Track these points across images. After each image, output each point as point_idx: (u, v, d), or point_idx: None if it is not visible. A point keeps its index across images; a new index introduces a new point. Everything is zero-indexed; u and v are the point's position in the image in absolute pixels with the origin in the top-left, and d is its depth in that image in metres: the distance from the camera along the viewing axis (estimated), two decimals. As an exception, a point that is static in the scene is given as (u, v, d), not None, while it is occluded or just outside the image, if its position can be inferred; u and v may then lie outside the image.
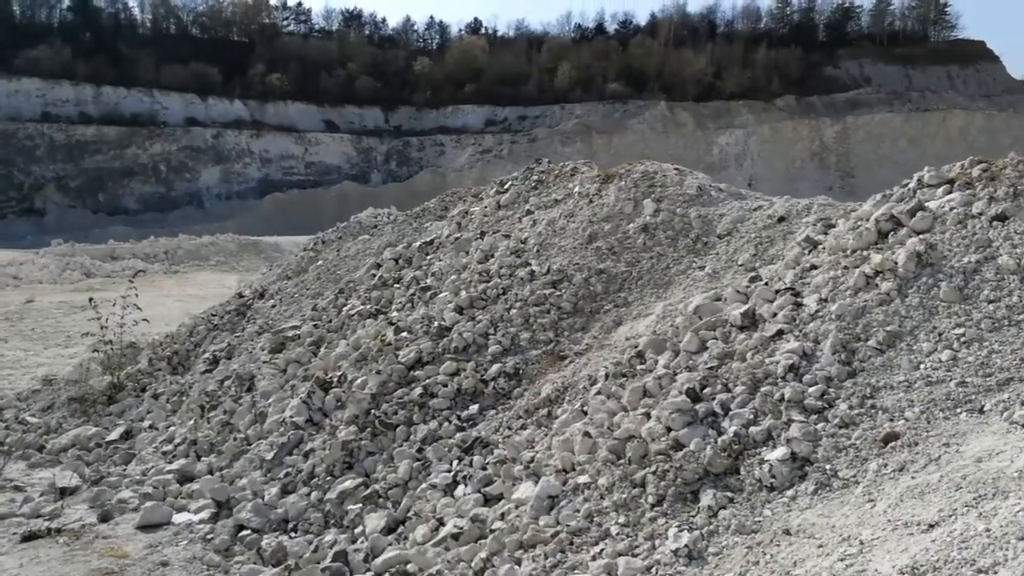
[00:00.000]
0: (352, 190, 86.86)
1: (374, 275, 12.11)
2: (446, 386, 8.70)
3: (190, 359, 13.10)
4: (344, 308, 11.60)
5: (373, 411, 8.62)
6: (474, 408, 8.41)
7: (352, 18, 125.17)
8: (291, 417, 9.43)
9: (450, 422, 8.20)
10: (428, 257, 11.95)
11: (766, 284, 7.92)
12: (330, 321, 11.55)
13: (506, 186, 13.14)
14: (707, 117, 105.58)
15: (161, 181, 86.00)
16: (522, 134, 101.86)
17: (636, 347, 8.15)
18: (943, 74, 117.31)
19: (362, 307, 11.30)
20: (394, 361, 9.26)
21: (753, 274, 8.63)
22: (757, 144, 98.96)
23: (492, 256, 10.78)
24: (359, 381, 9.07)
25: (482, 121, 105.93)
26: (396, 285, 11.53)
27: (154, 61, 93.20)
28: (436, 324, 9.55)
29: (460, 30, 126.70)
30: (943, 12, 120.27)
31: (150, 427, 10.82)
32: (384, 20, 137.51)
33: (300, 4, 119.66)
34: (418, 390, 8.71)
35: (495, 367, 8.71)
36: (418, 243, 12.53)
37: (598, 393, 7.53)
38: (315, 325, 11.63)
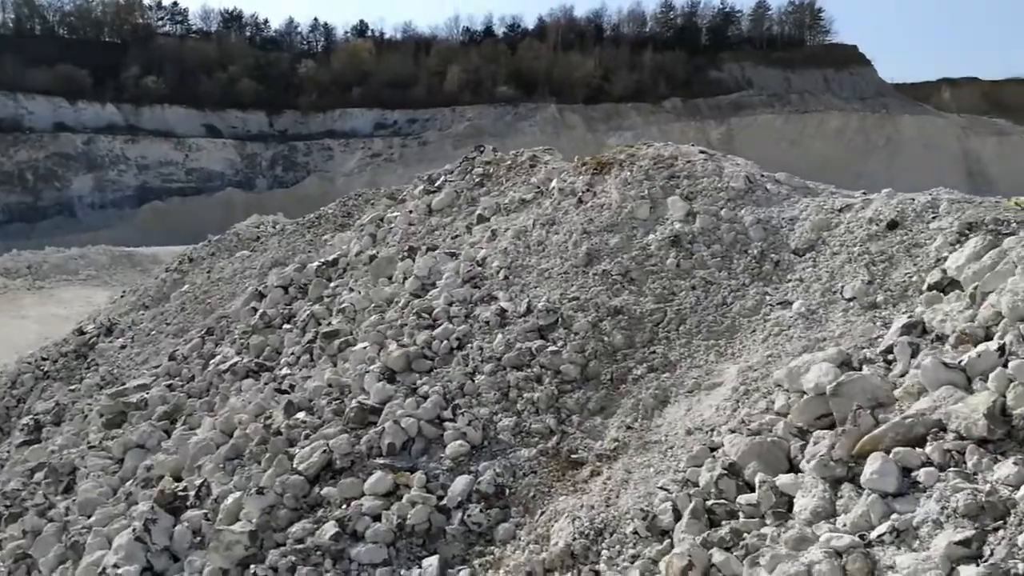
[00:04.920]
0: (237, 197, 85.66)
1: (255, 310, 9.95)
2: (377, 519, 5.90)
3: (10, 420, 11.41)
4: (212, 360, 9.41)
5: (253, 566, 5.79)
6: (430, 563, 5.56)
7: (232, 19, 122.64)
8: (113, 568, 6.28)
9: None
10: (331, 284, 9.70)
11: (939, 343, 4.98)
12: (191, 379, 9.38)
13: (438, 182, 10.91)
14: (597, 119, 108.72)
15: (28, 190, 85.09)
16: (412, 138, 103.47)
17: (713, 449, 5.30)
18: (820, 77, 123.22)
19: (237, 359, 9.08)
20: (287, 468, 6.52)
21: (909, 317, 5.37)
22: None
23: (433, 285, 8.37)
24: (229, 502, 6.36)
25: (371, 125, 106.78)
26: (286, 327, 9.27)
27: (17, 63, 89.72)
28: (353, 400, 6.93)
29: (346, 32, 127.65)
30: (818, 17, 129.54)
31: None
32: (266, 22, 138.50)
33: (176, 4, 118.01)
34: (329, 526, 5.94)
35: (461, 482, 6.03)
36: (316, 263, 10.34)
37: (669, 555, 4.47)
38: (169, 386, 9.42)
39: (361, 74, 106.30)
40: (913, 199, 6.95)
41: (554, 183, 9.06)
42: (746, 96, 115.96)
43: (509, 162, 10.40)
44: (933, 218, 6.65)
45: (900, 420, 4.32)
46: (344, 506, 6.03)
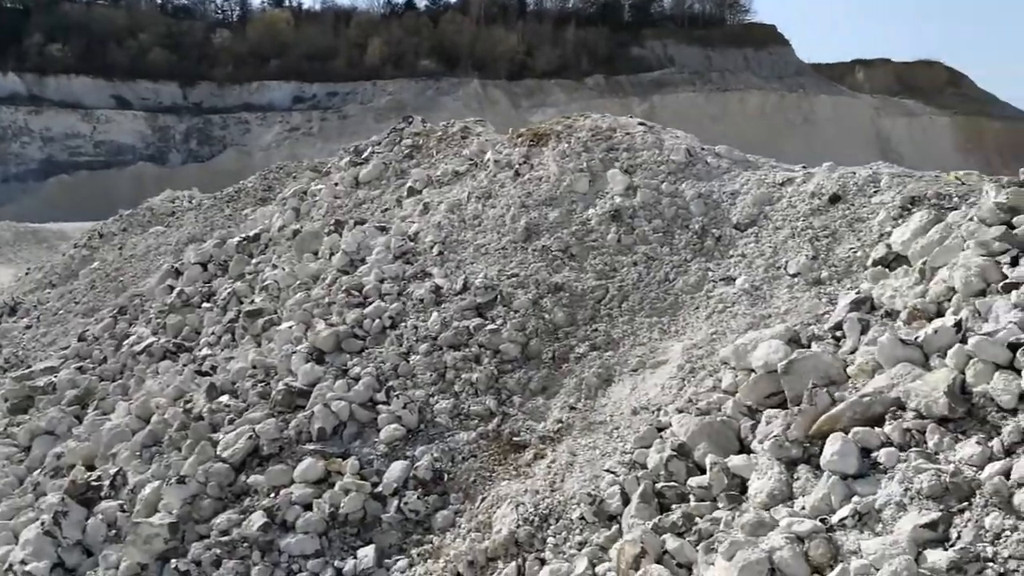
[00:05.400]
0: (148, 172, 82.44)
1: (171, 288, 9.63)
2: (308, 508, 5.70)
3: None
4: (126, 341, 9.09)
5: (174, 560, 5.56)
6: (365, 553, 5.38)
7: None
8: (21, 565, 5.98)
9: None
10: (253, 260, 9.37)
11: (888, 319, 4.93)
12: (103, 361, 9.00)
13: (365, 154, 10.50)
14: (520, 95, 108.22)
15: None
16: (332, 111, 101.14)
17: (661, 429, 5.18)
18: (740, 56, 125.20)
19: (153, 340, 8.79)
20: (210, 455, 6.26)
21: (857, 293, 5.34)
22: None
23: (363, 261, 8.10)
24: (147, 492, 6.13)
25: (289, 98, 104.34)
26: (206, 305, 9.01)
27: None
28: (280, 382, 6.72)
29: (263, 2, 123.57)
30: None
31: None
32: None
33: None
34: (257, 517, 5.69)
35: (396, 468, 5.84)
36: (236, 239, 9.98)
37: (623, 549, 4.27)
38: (80, 368, 9.06)
39: (279, 45, 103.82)
40: (854, 173, 6.95)
41: (489, 155, 8.84)
42: (668, 74, 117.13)
43: (440, 133, 10.14)
44: (875, 192, 6.65)
45: (858, 399, 4.20)
46: (272, 495, 5.82)
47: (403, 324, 7.03)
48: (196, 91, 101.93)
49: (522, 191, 7.96)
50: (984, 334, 4.01)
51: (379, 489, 5.69)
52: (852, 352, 4.95)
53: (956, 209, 5.82)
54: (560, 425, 5.80)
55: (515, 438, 5.83)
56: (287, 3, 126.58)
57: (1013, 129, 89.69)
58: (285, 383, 6.65)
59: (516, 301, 6.87)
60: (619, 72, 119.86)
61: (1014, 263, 4.55)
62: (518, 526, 4.96)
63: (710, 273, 6.63)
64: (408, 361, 6.68)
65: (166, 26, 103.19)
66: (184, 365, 7.94)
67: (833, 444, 4.01)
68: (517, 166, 8.31)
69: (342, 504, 5.59)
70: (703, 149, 7.79)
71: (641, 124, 8.24)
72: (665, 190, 7.46)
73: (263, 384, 6.83)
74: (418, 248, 7.96)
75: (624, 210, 7.39)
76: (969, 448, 3.68)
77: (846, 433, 4.09)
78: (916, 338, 4.35)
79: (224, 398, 6.86)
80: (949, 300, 4.75)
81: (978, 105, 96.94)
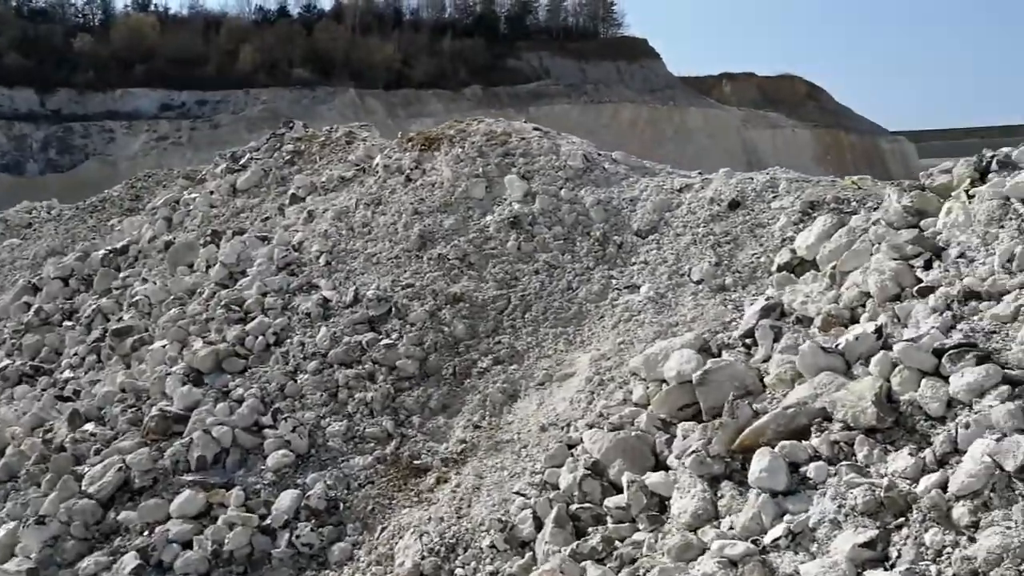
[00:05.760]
0: (4, 182, 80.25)
1: (28, 305, 9.28)
2: (188, 546, 5.39)
3: None
4: None
5: None
6: None
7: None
8: None
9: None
10: (121, 275, 9.05)
11: (800, 325, 4.91)
12: None
13: (243, 160, 10.14)
14: (397, 105, 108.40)
15: None
16: (203, 120, 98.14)
17: (571, 446, 5.03)
18: (613, 69, 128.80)
19: (8, 362, 8.45)
20: (74, 490, 5.91)
21: (767, 300, 5.30)
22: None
23: (243, 273, 7.84)
24: (2, 534, 5.80)
25: (156, 106, 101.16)
26: (67, 324, 8.73)
27: None
28: (153, 407, 6.45)
29: (126, 6, 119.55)
30: (610, 10, 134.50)
31: None
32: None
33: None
34: (129, 558, 5.34)
35: (286, 498, 5.58)
36: (101, 252, 9.61)
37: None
38: None
39: (144, 51, 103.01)
40: (752, 178, 7.08)
41: (377, 160, 8.68)
42: (544, 85, 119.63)
43: (323, 139, 9.92)
44: (774, 197, 6.76)
45: (781, 411, 4.06)
46: (146, 533, 5.53)
47: (289, 340, 6.83)
48: (55, 98, 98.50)
49: (415, 197, 7.83)
50: (908, 340, 3.93)
51: (268, 522, 5.43)
52: (765, 360, 4.86)
53: (856, 213, 5.92)
54: (464, 446, 5.68)
55: (415, 461, 5.69)
56: (153, 7, 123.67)
57: (866, 141, 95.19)
58: (159, 408, 6.40)
59: (412, 313, 6.75)
60: (496, 83, 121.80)
61: (927, 266, 4.54)
62: (423, 557, 4.74)
63: (613, 281, 6.64)
64: (296, 380, 6.49)
65: (21, 29, 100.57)
66: (43, 390, 7.63)
67: (761, 460, 3.84)
68: (408, 171, 8.19)
69: (226, 540, 5.30)
70: (600, 155, 7.86)
71: (536, 129, 8.29)
72: (564, 196, 7.45)
73: (134, 409, 6.56)
74: (303, 258, 7.76)
75: (523, 217, 7.36)
76: (902, 460, 3.56)
77: (771, 447, 3.94)
78: (837, 345, 4.25)
79: (89, 426, 6.55)
80: (863, 305, 4.71)
81: (835, 117, 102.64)
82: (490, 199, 7.63)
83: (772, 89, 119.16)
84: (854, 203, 6.17)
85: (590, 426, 5.06)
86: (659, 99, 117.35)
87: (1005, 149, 5.15)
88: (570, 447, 5.01)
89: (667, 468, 4.53)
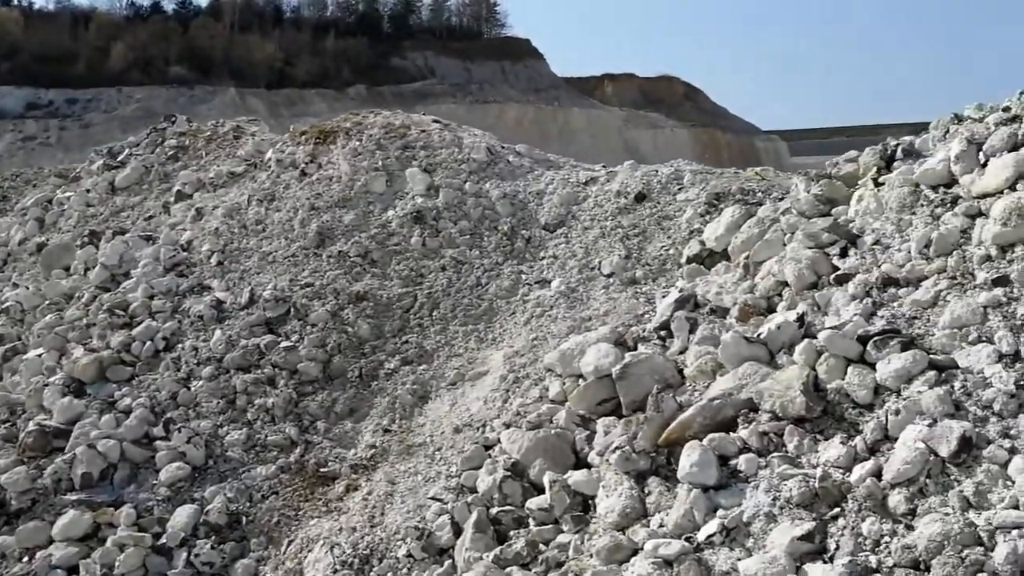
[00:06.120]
0: None
1: None
2: (74, 571, 5.05)
3: None
4: None
5: None
6: None
7: None
8: None
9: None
10: None
11: (715, 316, 4.87)
12: None
13: (121, 156, 9.58)
14: (280, 104, 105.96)
15: None
16: (73, 119, 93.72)
17: (488, 447, 4.88)
18: (497, 69, 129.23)
19: None
20: None
21: (680, 291, 5.18)
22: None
23: (126, 275, 7.41)
24: None
25: (22, 104, 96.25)
26: None
27: None
28: (30, 422, 6.05)
29: None
30: (494, 10, 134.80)
31: None
32: None
33: None
34: None
35: (183, 514, 5.25)
36: None
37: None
38: None
39: (8, 47, 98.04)
40: (656, 171, 7.07)
41: (270, 155, 8.30)
42: (429, 85, 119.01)
43: (208, 134, 9.45)
44: (679, 189, 6.76)
45: (707, 403, 3.98)
46: (26, 559, 5.16)
47: (180, 345, 6.46)
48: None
49: (311, 192, 7.53)
50: (832, 328, 3.91)
51: (163, 541, 5.09)
52: (682, 352, 4.79)
53: (762, 204, 5.92)
54: (374, 451, 5.45)
55: (322, 469, 5.43)
56: (16, 2, 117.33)
57: (742, 140, 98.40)
58: (36, 422, 5.97)
59: (313, 314, 6.46)
60: (380, 83, 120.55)
61: (843, 254, 4.55)
62: (335, 570, 4.51)
63: (523, 276, 6.53)
64: (189, 388, 6.14)
65: None
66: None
67: (690, 454, 3.74)
68: (303, 166, 7.86)
69: (117, 563, 4.94)
70: (503, 148, 7.67)
71: (436, 122, 8.02)
72: (469, 190, 7.27)
73: (8, 425, 6.12)
74: (193, 258, 7.38)
75: (427, 211, 7.14)
76: (833, 449, 3.52)
77: (699, 440, 3.85)
78: (759, 335, 4.20)
79: (-42, 445, 5.82)
80: (780, 294, 4.70)
81: (712, 117, 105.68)
82: (391, 193, 7.39)
83: (651, 90, 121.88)
84: (759, 194, 6.21)
85: (507, 425, 4.88)
86: (544, 99, 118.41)
87: (908, 138, 5.26)
88: (487, 448, 4.82)
89: (589, 466, 4.39)
